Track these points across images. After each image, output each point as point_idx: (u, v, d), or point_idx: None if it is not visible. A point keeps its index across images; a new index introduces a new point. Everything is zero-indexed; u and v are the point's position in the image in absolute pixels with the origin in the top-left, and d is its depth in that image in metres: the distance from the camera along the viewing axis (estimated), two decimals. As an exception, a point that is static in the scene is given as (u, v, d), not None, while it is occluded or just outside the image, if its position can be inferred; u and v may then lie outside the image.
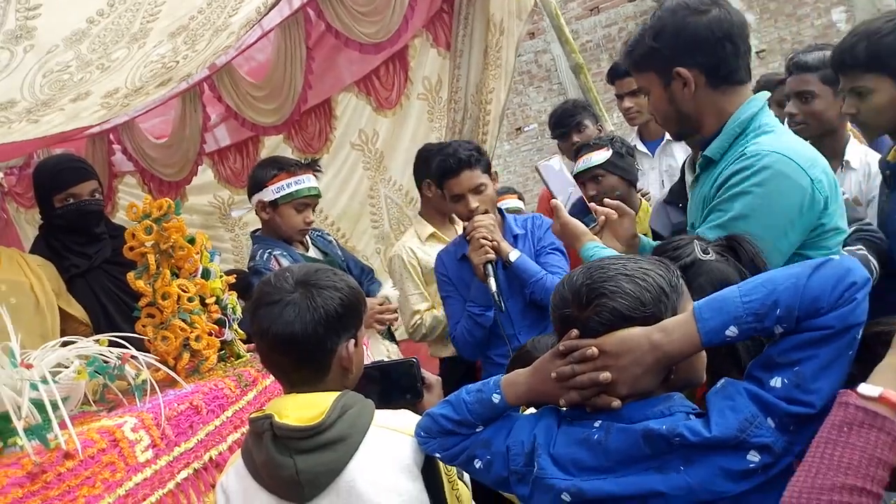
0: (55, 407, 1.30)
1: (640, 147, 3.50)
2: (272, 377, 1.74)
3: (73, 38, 2.31)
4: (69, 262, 2.41)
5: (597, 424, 1.09)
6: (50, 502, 1.22)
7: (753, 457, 0.99)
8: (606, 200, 1.90)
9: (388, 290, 2.67)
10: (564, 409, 1.16)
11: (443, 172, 2.41)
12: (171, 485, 1.45)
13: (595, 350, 1.07)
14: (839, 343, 0.98)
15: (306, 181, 2.52)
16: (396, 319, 2.70)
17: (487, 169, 2.41)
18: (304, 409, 1.24)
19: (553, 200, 2.07)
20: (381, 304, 2.53)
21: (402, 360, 1.84)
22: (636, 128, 3.56)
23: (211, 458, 1.56)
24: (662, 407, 1.07)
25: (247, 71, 3.61)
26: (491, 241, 2.24)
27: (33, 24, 2.14)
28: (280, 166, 2.53)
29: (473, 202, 2.35)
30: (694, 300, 1.27)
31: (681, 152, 3.24)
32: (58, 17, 2.16)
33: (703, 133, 1.62)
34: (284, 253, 2.42)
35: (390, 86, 3.57)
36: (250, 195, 2.59)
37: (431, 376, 1.52)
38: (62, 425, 1.30)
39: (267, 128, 3.65)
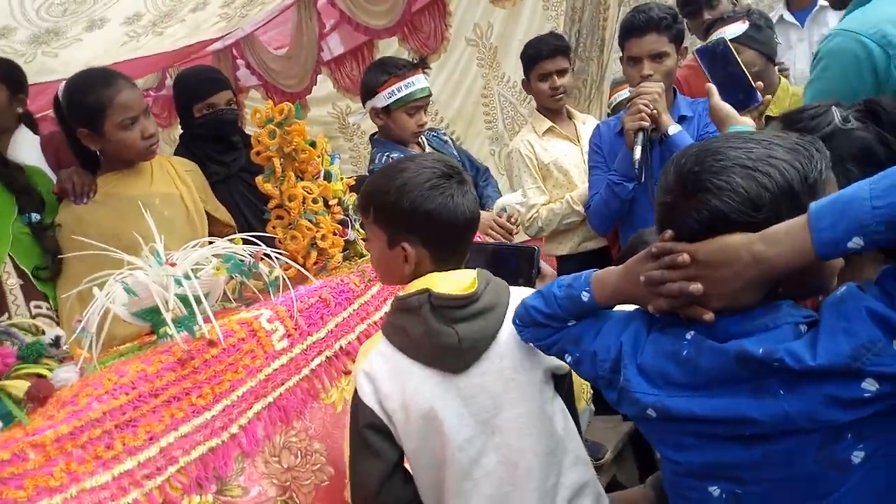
0: (198, 301, 1.41)
1: (788, 17, 3.16)
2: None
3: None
4: (210, 170, 2.51)
5: (689, 336, 0.98)
6: (199, 385, 1.34)
7: (870, 385, 0.84)
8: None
9: (508, 198, 2.63)
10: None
11: (628, 29, 2.29)
12: (305, 371, 1.55)
13: (687, 257, 0.95)
14: None
15: (416, 83, 2.49)
16: (516, 232, 2.67)
17: (677, 39, 2.25)
18: (452, 283, 1.29)
19: (708, 84, 1.94)
20: (497, 217, 2.47)
21: (526, 245, 1.85)
22: None
23: (341, 347, 1.64)
24: (767, 320, 0.93)
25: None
26: (651, 111, 2.13)
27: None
28: (388, 70, 2.50)
29: (648, 68, 2.24)
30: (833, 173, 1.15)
31: (835, 20, 2.91)
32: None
33: None
34: (401, 156, 2.43)
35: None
36: (364, 101, 2.60)
37: (548, 268, 1.51)
38: (206, 318, 1.41)
39: (380, 30, 3.62)
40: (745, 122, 1.70)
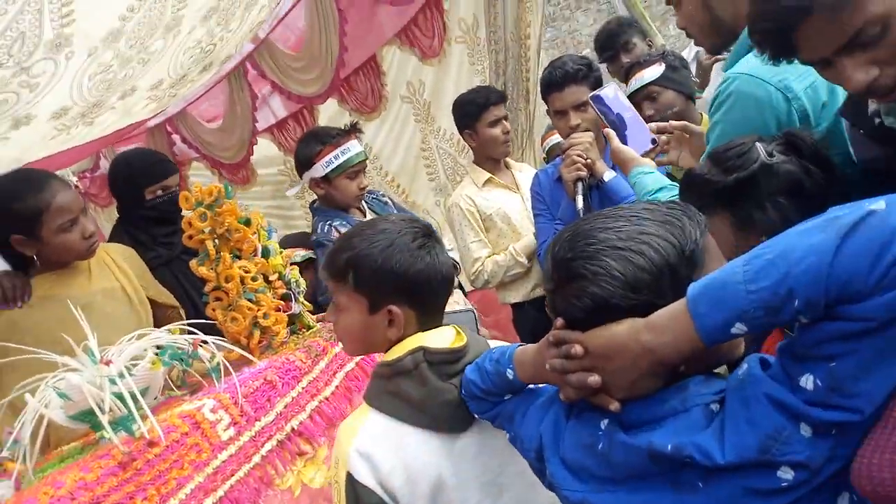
0: (135, 398, 1.37)
1: (703, 53, 3.30)
2: (339, 345, 1.77)
3: (110, 37, 2.36)
4: (154, 254, 2.48)
5: (602, 426, 0.94)
6: (143, 487, 1.29)
7: (785, 474, 0.79)
8: (672, 123, 1.85)
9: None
10: None
11: (547, 84, 2.37)
12: (256, 458, 1.51)
13: (579, 349, 0.92)
14: (889, 333, 0.72)
15: (352, 148, 2.52)
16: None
17: (596, 86, 2.32)
18: (440, 340, 1.26)
19: (605, 129, 2.00)
20: None
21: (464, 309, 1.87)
22: None
23: (293, 429, 1.60)
24: (675, 402, 0.88)
25: (286, 44, 3.62)
26: (585, 160, 2.19)
27: (69, 30, 2.19)
28: (322, 140, 2.54)
29: (575, 119, 2.31)
30: (764, 214, 1.14)
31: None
32: (91, 20, 2.20)
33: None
34: (344, 223, 2.44)
35: (430, 33, 3.52)
36: (300, 173, 2.62)
37: (485, 332, 1.51)
38: (144, 416, 1.36)
39: (312, 98, 3.65)
40: (646, 163, 1.75)
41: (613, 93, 2.12)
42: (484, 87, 2.98)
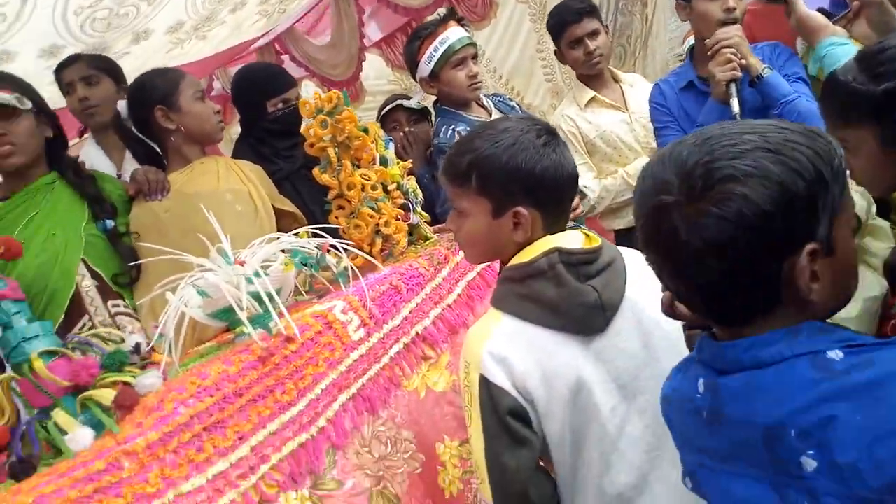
0: (271, 298, 1.39)
1: None
2: (460, 254, 1.74)
3: (223, -53, 2.36)
4: (276, 167, 2.51)
5: (701, 384, 0.83)
6: (282, 381, 1.33)
7: None
8: None
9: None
10: None
11: None
12: (385, 359, 1.52)
13: None
14: None
15: (452, 35, 2.37)
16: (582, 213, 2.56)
17: None
18: (572, 241, 1.23)
19: None
20: None
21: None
22: None
23: (417, 333, 1.61)
24: (782, 345, 0.76)
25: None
26: (739, 58, 1.99)
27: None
28: (420, 35, 2.42)
29: (733, 1, 2.07)
30: None
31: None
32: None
33: None
34: (467, 127, 2.36)
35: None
36: (413, 77, 2.52)
37: None
38: (280, 314, 1.39)
39: (420, 9, 3.55)
40: (839, 32, 1.53)
41: None
42: (564, 3, 2.70)
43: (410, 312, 1.63)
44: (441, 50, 2.36)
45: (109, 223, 1.93)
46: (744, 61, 1.99)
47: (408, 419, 1.50)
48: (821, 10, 1.89)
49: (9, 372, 1.27)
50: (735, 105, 1.98)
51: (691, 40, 3.22)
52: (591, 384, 1.17)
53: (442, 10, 2.54)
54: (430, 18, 2.64)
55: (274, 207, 2.15)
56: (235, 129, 2.89)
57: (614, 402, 1.19)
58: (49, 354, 1.27)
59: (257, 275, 1.42)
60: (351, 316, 1.51)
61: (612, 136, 2.66)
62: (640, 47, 3.63)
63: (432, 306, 1.67)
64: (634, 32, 3.61)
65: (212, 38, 3.00)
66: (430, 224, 2.09)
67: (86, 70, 2.36)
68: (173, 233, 1.88)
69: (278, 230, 2.15)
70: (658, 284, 1.02)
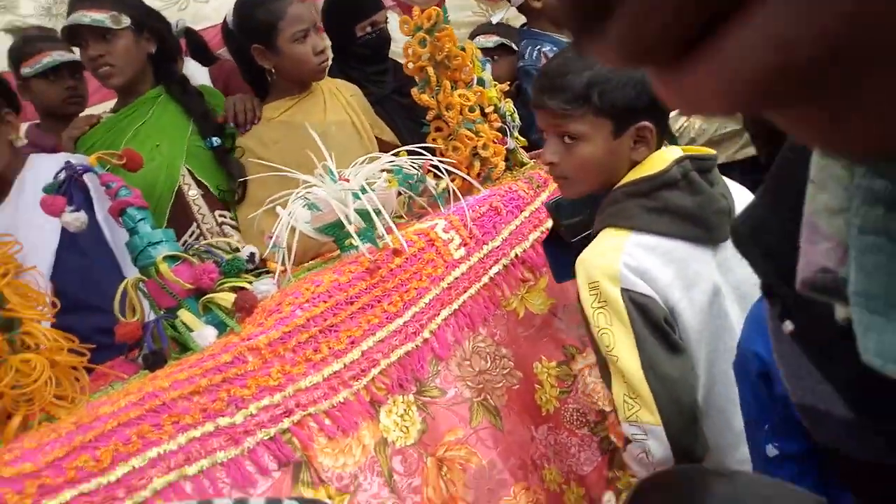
0: (377, 212, 1.42)
1: None
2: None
3: None
4: (366, 92, 2.50)
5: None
6: (388, 293, 1.36)
7: None
8: None
9: None
10: None
11: None
12: (485, 279, 1.53)
13: None
14: None
15: None
16: None
17: None
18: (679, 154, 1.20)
19: None
20: None
21: None
22: None
23: (517, 255, 1.61)
24: None
25: None
26: None
27: None
28: None
29: None
30: None
31: None
32: None
33: None
34: (554, 47, 2.30)
35: None
36: None
37: None
38: (387, 229, 1.41)
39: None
40: None
41: None
42: None
43: (510, 234, 1.63)
44: None
45: (216, 140, 1.95)
46: None
47: (506, 338, 1.52)
48: None
49: (136, 273, 1.34)
50: None
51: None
52: (722, 293, 1.15)
53: None
54: None
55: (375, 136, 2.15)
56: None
57: (737, 312, 1.17)
58: (172, 259, 1.34)
59: (364, 190, 1.44)
60: (452, 235, 1.52)
61: None
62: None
63: (531, 229, 1.66)
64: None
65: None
66: (526, 150, 2.07)
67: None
68: (276, 161, 1.89)
69: (379, 154, 2.17)
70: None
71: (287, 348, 1.17)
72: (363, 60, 2.54)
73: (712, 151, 1.22)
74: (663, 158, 1.17)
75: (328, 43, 2.01)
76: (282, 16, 1.90)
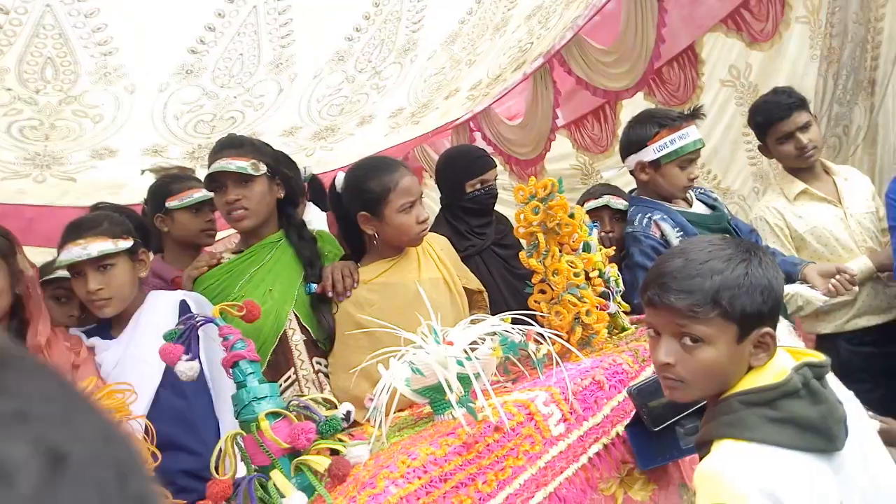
0: (478, 378, 1.40)
1: None
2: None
3: (448, 40, 2.51)
4: (468, 243, 2.59)
5: None
6: (483, 471, 1.31)
7: None
8: None
9: (805, 291, 2.33)
10: None
11: None
12: (583, 459, 1.46)
13: None
14: None
15: (690, 134, 2.29)
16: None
17: None
18: (789, 359, 1.16)
19: None
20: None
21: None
22: None
23: (618, 434, 1.54)
24: None
25: (596, 39, 3.56)
26: None
27: (415, 36, 2.37)
28: (661, 122, 2.33)
29: None
30: None
31: None
32: (435, 22, 2.35)
33: None
34: (665, 216, 2.28)
35: (764, 16, 3.20)
36: (626, 155, 2.43)
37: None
38: (485, 395, 1.38)
39: (620, 91, 3.55)
40: None
41: None
42: (769, 98, 2.59)
43: (612, 411, 1.56)
44: (678, 144, 2.28)
45: (314, 286, 1.98)
46: None
47: (603, 526, 1.42)
48: None
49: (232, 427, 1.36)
50: None
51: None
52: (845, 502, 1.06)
53: (688, 108, 2.51)
54: (667, 108, 2.63)
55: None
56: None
57: None
58: (273, 416, 1.35)
59: (468, 357, 1.43)
60: (552, 409, 1.48)
61: (825, 232, 2.48)
62: (861, 138, 3.36)
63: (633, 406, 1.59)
64: (855, 122, 3.36)
65: (423, 122, 3.19)
66: (627, 314, 2.03)
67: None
68: (369, 323, 1.82)
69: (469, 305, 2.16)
70: None
71: (378, 529, 1.13)
72: (470, 213, 2.63)
73: (822, 357, 1.15)
74: (782, 366, 1.11)
75: (427, 215, 2.03)
76: (393, 188, 1.93)
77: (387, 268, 2.00)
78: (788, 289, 2.20)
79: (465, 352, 1.45)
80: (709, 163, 3.69)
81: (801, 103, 2.51)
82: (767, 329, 1.11)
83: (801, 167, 2.54)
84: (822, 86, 3.24)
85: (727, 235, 1.22)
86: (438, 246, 2.15)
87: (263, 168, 2.01)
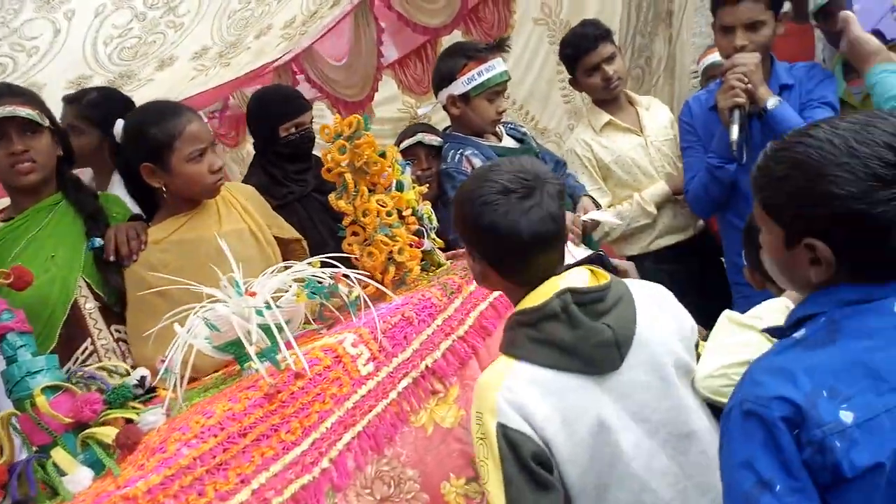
0: (280, 329, 1.36)
1: None
2: (475, 283, 1.70)
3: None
4: (287, 190, 2.50)
5: None
6: (287, 420, 1.29)
7: None
8: None
9: (603, 216, 2.44)
10: None
11: None
12: (392, 395, 1.48)
13: None
14: None
15: (496, 66, 2.33)
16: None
17: (775, 5, 2.07)
18: (578, 280, 1.23)
19: (843, 12, 1.74)
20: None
21: (592, 254, 1.76)
22: None
23: (427, 367, 1.56)
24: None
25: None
26: (746, 84, 1.97)
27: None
28: (467, 54, 2.35)
29: (741, 39, 2.07)
30: None
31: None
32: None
33: None
34: (476, 152, 2.31)
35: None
36: (437, 90, 2.45)
37: (623, 263, 1.43)
38: (288, 346, 1.35)
39: (438, 28, 3.53)
40: (893, 58, 1.50)
41: None
42: (577, 30, 2.69)
43: (421, 345, 1.58)
44: (485, 77, 2.32)
45: (98, 241, 1.82)
46: (751, 88, 1.95)
47: (413, 458, 1.45)
48: (875, 33, 1.83)
49: (10, 408, 1.24)
50: (734, 132, 1.95)
51: (707, 60, 3.17)
52: (611, 423, 1.15)
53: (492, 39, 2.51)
54: (463, 40, 2.61)
55: (274, 236, 2.03)
56: (248, 149, 2.87)
57: (637, 439, 1.17)
58: (52, 389, 1.24)
59: (268, 306, 1.38)
60: (361, 349, 1.47)
61: (628, 160, 2.64)
62: (661, 67, 3.57)
63: (443, 338, 1.63)
64: (656, 53, 3.56)
65: (235, 63, 3.00)
66: (444, 250, 2.06)
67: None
68: (165, 282, 1.67)
69: (283, 256, 2.04)
70: (668, 314, 1.19)
71: (168, 494, 1.08)
72: (285, 159, 2.53)
73: (604, 280, 1.22)
74: (544, 291, 1.19)
75: (221, 163, 1.90)
76: (178, 135, 1.77)
77: (180, 224, 1.86)
78: (593, 216, 2.33)
79: (268, 302, 1.40)
80: (527, 104, 3.78)
81: (607, 34, 2.61)
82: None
83: (607, 98, 2.65)
84: (626, 18, 3.40)
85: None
86: (243, 195, 2.03)
87: (48, 121, 1.84)
